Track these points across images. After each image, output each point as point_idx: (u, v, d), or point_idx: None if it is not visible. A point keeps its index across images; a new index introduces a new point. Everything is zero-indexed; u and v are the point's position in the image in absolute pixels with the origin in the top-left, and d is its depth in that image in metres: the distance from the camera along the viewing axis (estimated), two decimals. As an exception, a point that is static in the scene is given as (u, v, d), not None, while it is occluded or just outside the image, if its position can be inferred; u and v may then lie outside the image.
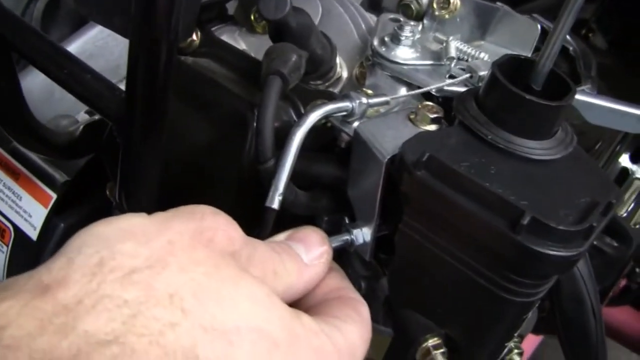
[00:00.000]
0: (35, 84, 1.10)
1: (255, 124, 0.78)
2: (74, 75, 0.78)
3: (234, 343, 0.54)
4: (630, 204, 1.07)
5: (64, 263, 0.53)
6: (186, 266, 0.56)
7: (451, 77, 0.86)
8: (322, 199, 0.80)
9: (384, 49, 0.86)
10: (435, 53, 0.88)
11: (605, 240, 1.05)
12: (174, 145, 0.86)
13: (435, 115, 0.75)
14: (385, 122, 0.75)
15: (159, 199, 0.83)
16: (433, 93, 0.84)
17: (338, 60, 0.91)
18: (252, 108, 0.79)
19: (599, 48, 1.38)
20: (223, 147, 0.83)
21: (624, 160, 1.08)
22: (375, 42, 0.87)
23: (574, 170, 0.71)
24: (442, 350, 0.74)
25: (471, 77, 0.84)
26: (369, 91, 0.85)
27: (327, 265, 0.70)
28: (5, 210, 1.08)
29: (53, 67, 0.79)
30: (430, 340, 0.74)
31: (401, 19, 0.92)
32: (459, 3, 0.92)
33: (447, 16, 0.93)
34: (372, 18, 0.96)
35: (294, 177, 0.75)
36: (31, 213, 1.06)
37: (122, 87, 0.74)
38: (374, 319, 0.80)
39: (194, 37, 0.90)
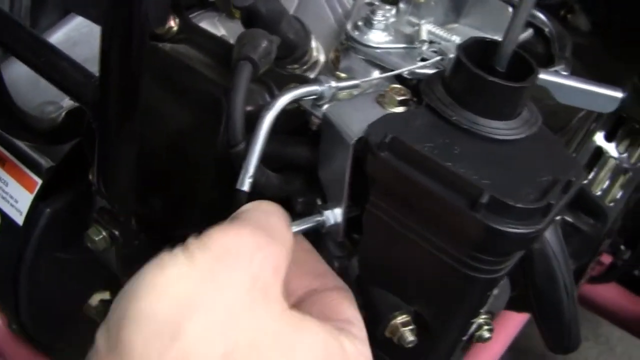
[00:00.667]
0: (21, 72, 1.11)
1: (228, 109, 0.79)
2: (50, 63, 0.79)
3: None
4: (606, 182, 1.08)
5: None
6: (254, 341, 0.57)
7: (423, 59, 0.87)
8: (295, 181, 0.82)
9: (357, 33, 0.88)
10: (408, 36, 0.90)
11: (582, 218, 1.07)
12: (153, 130, 0.88)
13: (402, 98, 0.76)
14: (354, 105, 0.76)
15: (141, 183, 0.85)
16: (405, 76, 0.85)
17: (315, 44, 0.92)
18: (226, 93, 0.81)
19: (582, 29, 1.38)
20: (200, 131, 0.85)
21: (599, 139, 1.09)
22: (349, 26, 0.89)
23: (537, 150, 0.73)
24: (410, 327, 0.76)
25: (442, 59, 0.86)
26: (342, 74, 0.86)
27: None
28: (-8, 197, 1.10)
29: (31, 55, 0.81)
30: (399, 318, 0.76)
31: (376, 3, 0.93)
32: (433, -14, 0.93)
33: (421, 0, 0.94)
34: (349, 2, 0.98)
35: (267, 159, 0.77)
36: (17, 198, 1.08)
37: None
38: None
39: (173, 24, 0.91)
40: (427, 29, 0.89)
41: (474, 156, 0.69)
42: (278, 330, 0.60)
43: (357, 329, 0.68)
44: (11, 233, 1.09)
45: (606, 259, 1.68)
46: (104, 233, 0.90)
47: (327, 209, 0.78)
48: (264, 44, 0.77)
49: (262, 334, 0.58)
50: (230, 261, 0.60)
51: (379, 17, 0.87)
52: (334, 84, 0.77)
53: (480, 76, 0.70)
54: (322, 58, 0.95)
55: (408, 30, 0.91)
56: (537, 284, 0.93)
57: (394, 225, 0.72)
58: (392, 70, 0.86)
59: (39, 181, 1.07)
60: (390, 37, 0.89)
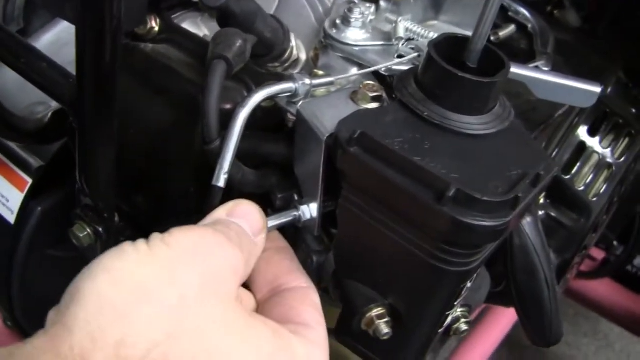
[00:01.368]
0: (10, 73, 1.13)
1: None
2: (30, 64, 0.81)
3: None
4: (589, 177, 1.09)
5: (85, 340, 0.55)
6: (200, 329, 0.59)
7: (400, 56, 0.88)
8: (271, 177, 0.83)
9: (334, 31, 0.89)
10: (386, 34, 0.91)
11: (565, 213, 1.08)
12: (134, 129, 0.89)
13: (375, 94, 0.77)
14: (327, 102, 0.77)
15: (121, 180, 0.86)
16: (382, 73, 0.86)
17: (295, 42, 0.93)
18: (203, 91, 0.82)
19: (570, 24, 1.39)
20: (179, 130, 0.86)
21: (582, 133, 1.10)
22: (327, 24, 0.90)
23: (509, 144, 0.74)
24: (385, 319, 0.77)
25: (419, 56, 0.87)
26: (320, 72, 0.88)
27: (265, 241, 0.73)
28: (-16, 196, 1.11)
29: (11, 57, 0.82)
30: (374, 310, 0.77)
31: (355, 1, 0.94)
32: (412, -16, 0.94)
33: (401, -3, 0.95)
34: (329, 1, 0.99)
35: (244, 156, 0.78)
36: (8, 198, 1.09)
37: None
38: (325, 290, 0.83)
39: (154, 24, 0.92)
40: (404, 26, 0.90)
41: (444, 151, 0.70)
42: (226, 321, 0.62)
43: (314, 333, 0.69)
44: (3, 232, 1.10)
45: (599, 254, 1.69)
46: (88, 230, 0.91)
47: (303, 204, 0.79)
48: (238, 43, 0.78)
49: (210, 322, 0.60)
50: (189, 257, 0.62)
51: (356, 15, 0.89)
52: (308, 81, 0.78)
53: (451, 72, 0.71)
54: (303, 56, 0.96)
55: (386, 27, 0.92)
56: (517, 279, 0.94)
57: (366, 219, 0.73)
58: (369, 68, 0.87)
59: (30, 180, 1.08)
60: (368, 35, 0.90)
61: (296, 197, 0.81)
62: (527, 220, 0.91)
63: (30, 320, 1.22)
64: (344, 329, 0.81)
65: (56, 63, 0.81)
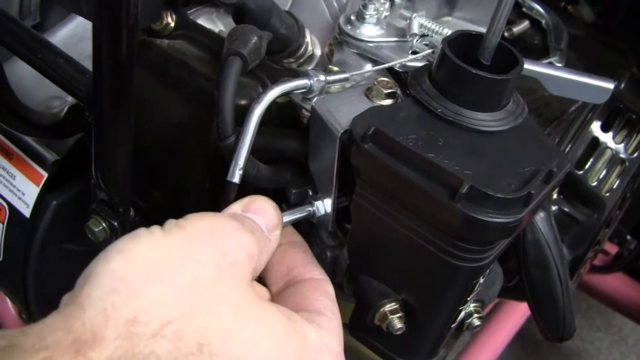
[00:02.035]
0: (27, 68, 1.14)
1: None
2: (47, 60, 0.82)
3: None
4: (602, 172, 1.09)
5: (98, 317, 0.55)
6: (213, 308, 0.60)
7: (414, 52, 0.88)
8: (286, 172, 0.83)
9: (349, 27, 0.89)
10: (400, 30, 0.91)
11: (578, 208, 1.08)
12: (149, 124, 0.90)
13: (389, 91, 0.78)
14: (342, 98, 0.78)
15: (137, 175, 0.87)
16: (396, 69, 0.87)
17: (310, 38, 0.94)
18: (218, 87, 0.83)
19: (584, 19, 1.39)
20: (194, 124, 0.87)
21: (596, 129, 1.10)
22: (341, 21, 0.90)
23: (522, 141, 0.74)
24: (398, 314, 0.77)
25: (433, 52, 0.87)
26: (335, 68, 0.88)
27: (279, 237, 0.73)
28: (1, 190, 1.12)
29: (28, 52, 0.83)
30: (388, 305, 0.78)
31: (371, -3, 0.94)
32: (426, -20, 0.94)
33: (416, -7, 0.96)
34: (345, -4, 0.99)
35: (259, 151, 0.79)
36: (24, 191, 1.10)
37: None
38: (339, 285, 0.84)
39: (170, 20, 0.93)
40: (418, 22, 0.90)
41: (457, 147, 0.70)
42: (240, 302, 0.62)
43: (327, 320, 0.69)
44: (18, 225, 1.11)
45: (612, 249, 1.69)
46: (103, 224, 0.92)
47: (317, 199, 0.80)
48: (254, 39, 0.79)
49: (223, 302, 0.61)
50: (203, 239, 0.63)
51: (370, 11, 0.89)
52: (322, 77, 0.79)
53: (464, 69, 0.71)
54: (317, 52, 0.96)
55: (400, 23, 0.92)
56: (530, 274, 0.94)
57: (379, 215, 0.73)
58: (383, 64, 0.87)
59: (45, 174, 1.09)
60: (382, 31, 0.90)
61: (310, 193, 0.82)
62: (540, 216, 0.91)
63: (45, 313, 1.22)
64: (357, 323, 0.82)
65: (73, 59, 0.82)
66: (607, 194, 1.08)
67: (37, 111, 1.00)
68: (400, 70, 0.86)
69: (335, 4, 0.99)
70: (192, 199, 0.91)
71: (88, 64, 0.82)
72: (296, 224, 0.80)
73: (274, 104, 0.77)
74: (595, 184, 1.08)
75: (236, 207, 0.71)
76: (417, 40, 0.89)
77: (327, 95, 0.79)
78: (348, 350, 0.73)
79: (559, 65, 1.01)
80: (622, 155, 1.10)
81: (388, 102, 0.78)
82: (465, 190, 0.65)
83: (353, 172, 0.73)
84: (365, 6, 0.89)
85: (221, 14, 1.02)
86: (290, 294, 0.72)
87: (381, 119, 0.72)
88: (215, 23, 1.01)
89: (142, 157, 0.86)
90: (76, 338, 0.54)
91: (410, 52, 0.89)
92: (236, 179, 0.75)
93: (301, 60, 0.95)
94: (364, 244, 0.78)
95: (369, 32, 0.89)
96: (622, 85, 1.13)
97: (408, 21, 0.91)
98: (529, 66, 0.86)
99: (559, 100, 0.96)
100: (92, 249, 1.00)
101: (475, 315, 0.85)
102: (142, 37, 0.90)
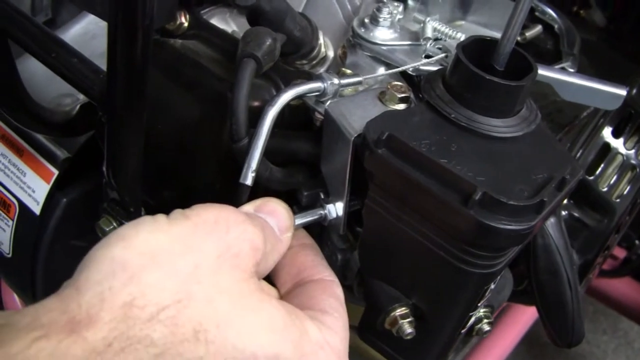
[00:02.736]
0: (39, 65, 1.14)
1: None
2: (61, 59, 0.82)
3: None
4: (613, 178, 1.09)
5: (94, 299, 0.56)
6: (211, 296, 0.60)
7: (427, 56, 0.88)
8: (298, 175, 0.83)
9: (362, 30, 0.89)
10: (414, 33, 0.91)
11: (588, 214, 1.08)
12: (162, 124, 0.90)
13: (403, 95, 0.78)
14: (355, 102, 0.78)
15: (148, 175, 0.87)
16: (409, 72, 0.87)
17: (323, 40, 0.94)
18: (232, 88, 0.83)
19: (596, 24, 1.39)
20: (206, 125, 0.87)
21: (607, 134, 1.10)
22: (355, 23, 0.90)
23: (535, 147, 0.74)
24: (409, 319, 0.77)
25: (446, 56, 0.87)
26: (348, 71, 0.88)
27: (290, 239, 0.73)
28: (11, 186, 1.12)
29: (42, 51, 0.83)
30: (398, 310, 0.78)
31: (384, 0, 0.94)
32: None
33: (429, -3, 0.96)
34: (358, -1, 0.99)
35: (271, 154, 0.79)
36: (34, 188, 1.10)
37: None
38: (349, 289, 0.84)
39: (183, 20, 0.93)
40: (432, 26, 0.90)
41: (470, 153, 0.70)
42: (239, 292, 0.62)
43: (331, 319, 0.69)
44: (28, 222, 1.11)
45: (620, 253, 1.68)
46: (114, 224, 0.92)
47: (329, 202, 0.80)
48: (268, 41, 0.79)
49: (221, 291, 0.61)
50: (207, 229, 0.63)
51: (384, 14, 0.89)
52: (336, 80, 0.79)
53: (479, 75, 0.71)
54: (330, 54, 0.96)
55: (414, 27, 0.92)
56: (540, 279, 0.94)
57: (391, 219, 0.73)
58: (397, 67, 0.87)
59: (56, 172, 1.09)
60: (396, 34, 0.90)
61: (322, 196, 0.82)
62: (551, 221, 0.91)
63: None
64: (367, 327, 0.82)
65: (87, 58, 0.82)
66: (618, 200, 1.07)
67: (48, 108, 1.00)
68: (414, 73, 0.87)
69: (348, 6, 0.99)
70: (203, 199, 0.90)
71: (100, 62, 0.82)
72: (308, 226, 0.80)
73: (286, 106, 0.77)
74: (605, 189, 1.08)
75: (248, 208, 0.72)
76: (430, 44, 0.89)
77: (341, 98, 0.79)
78: (353, 351, 0.73)
79: (572, 70, 1.00)
80: (633, 162, 1.10)
81: (401, 106, 0.78)
82: (479, 197, 0.65)
83: (366, 176, 0.73)
84: (379, 9, 0.89)
85: (234, 14, 1.02)
86: (298, 294, 0.72)
87: (394, 124, 0.72)
88: (228, 23, 1.01)
89: (154, 157, 0.86)
90: (71, 318, 0.54)
91: (423, 55, 0.89)
92: (249, 181, 0.75)
93: (314, 62, 0.94)
94: (376, 248, 0.78)
95: (383, 35, 0.89)
96: (634, 91, 1.13)
97: (422, 25, 0.92)
98: (542, 71, 0.86)
99: (571, 106, 0.95)
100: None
101: (485, 320, 0.85)
102: (156, 36, 0.90)
